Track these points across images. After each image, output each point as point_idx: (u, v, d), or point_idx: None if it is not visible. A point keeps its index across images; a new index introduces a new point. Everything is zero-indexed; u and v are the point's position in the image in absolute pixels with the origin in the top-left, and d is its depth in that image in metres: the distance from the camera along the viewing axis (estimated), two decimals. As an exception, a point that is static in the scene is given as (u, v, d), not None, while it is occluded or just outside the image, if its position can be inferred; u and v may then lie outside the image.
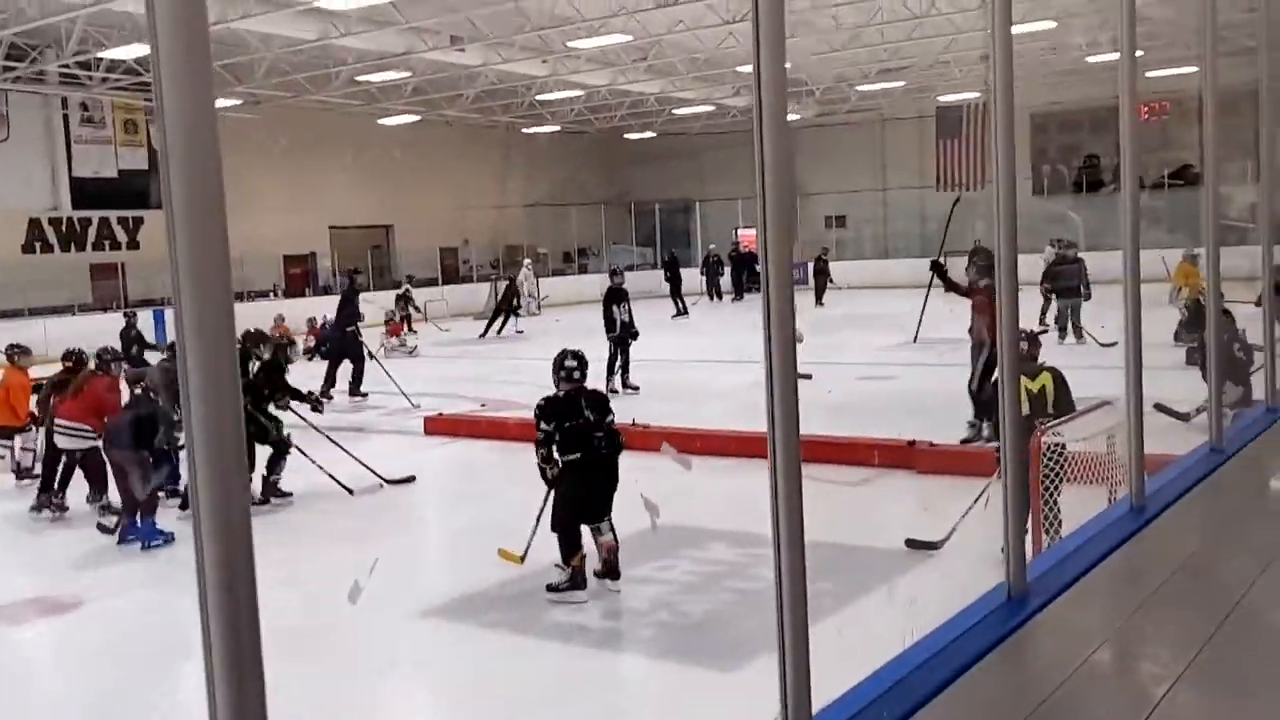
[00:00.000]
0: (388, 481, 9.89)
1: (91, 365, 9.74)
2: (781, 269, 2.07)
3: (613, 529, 6.90)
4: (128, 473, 8.56)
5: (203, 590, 1.23)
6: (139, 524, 8.49)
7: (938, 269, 10.88)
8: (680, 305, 27.28)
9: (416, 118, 30.50)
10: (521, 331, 23.65)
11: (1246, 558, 3.54)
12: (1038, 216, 30.69)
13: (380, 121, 30.48)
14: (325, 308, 23.55)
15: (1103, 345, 13.68)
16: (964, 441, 9.94)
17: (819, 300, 26.73)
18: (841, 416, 11.52)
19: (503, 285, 26.94)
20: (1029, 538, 6.15)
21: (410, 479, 10.08)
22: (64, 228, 26.17)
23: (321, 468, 9.66)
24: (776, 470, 2.06)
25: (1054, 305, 17.55)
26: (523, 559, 7.17)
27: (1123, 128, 3.56)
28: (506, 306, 24.70)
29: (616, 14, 20.60)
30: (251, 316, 22.53)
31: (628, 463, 6.98)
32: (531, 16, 21.31)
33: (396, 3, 19.03)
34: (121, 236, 26.46)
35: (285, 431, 9.76)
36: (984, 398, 9.85)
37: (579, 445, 6.83)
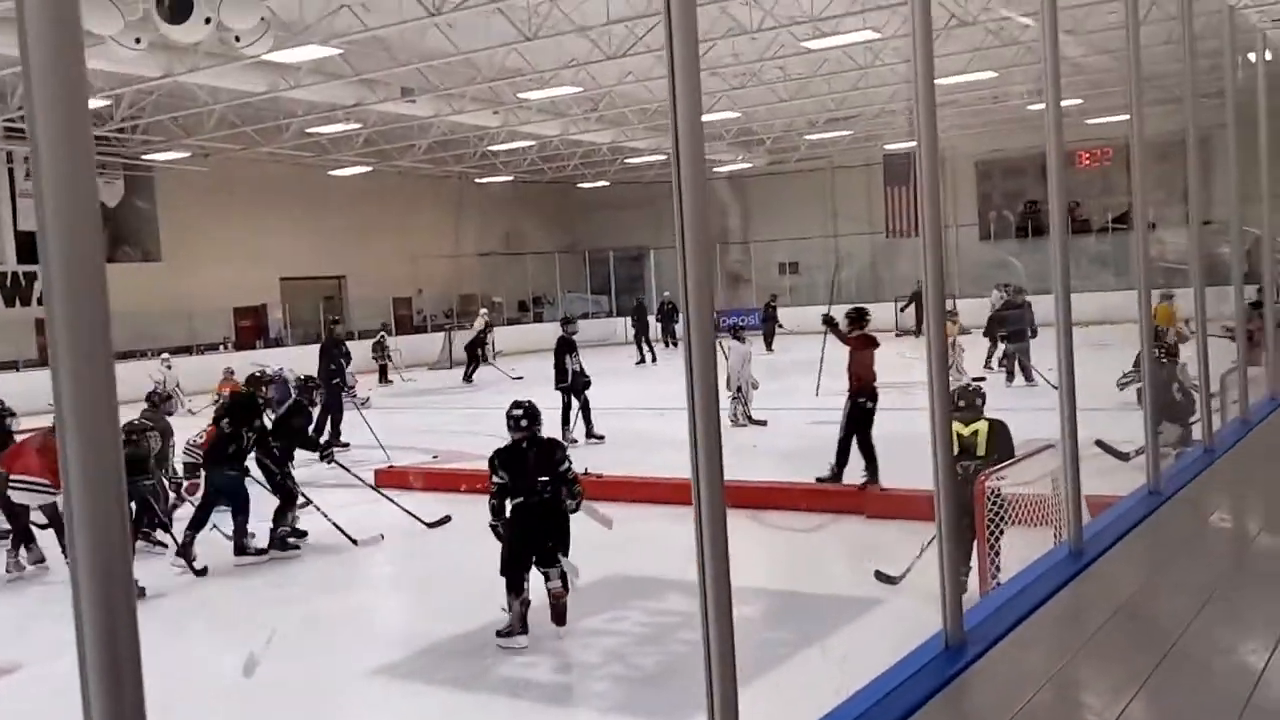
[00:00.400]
0: (427, 525, 9.94)
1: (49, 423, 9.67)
2: (703, 318, 2.07)
3: (562, 576, 6.91)
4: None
5: (83, 671, 1.19)
6: None
7: (828, 322, 11.16)
8: (645, 352, 27.25)
9: (368, 169, 30.49)
10: (521, 377, 22.97)
11: (1183, 599, 3.56)
12: (985, 263, 31.16)
13: (332, 173, 30.43)
14: (276, 360, 23.31)
15: (1055, 387, 13.78)
16: (819, 480, 10.40)
17: (769, 346, 26.81)
18: (794, 462, 11.55)
19: (458, 334, 27.01)
20: (975, 580, 6.18)
21: (447, 519, 10.06)
22: (8, 282, 25.78)
23: (326, 515, 9.64)
24: (701, 519, 2.03)
25: (1000, 348, 17.78)
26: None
27: (1050, 176, 3.62)
28: (479, 353, 24.68)
29: (567, 65, 20.77)
30: (200, 369, 22.37)
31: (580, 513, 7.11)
32: (482, 68, 21.42)
33: (346, 55, 19.04)
34: (68, 291, 26.09)
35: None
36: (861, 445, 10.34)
37: (521, 492, 7.00)
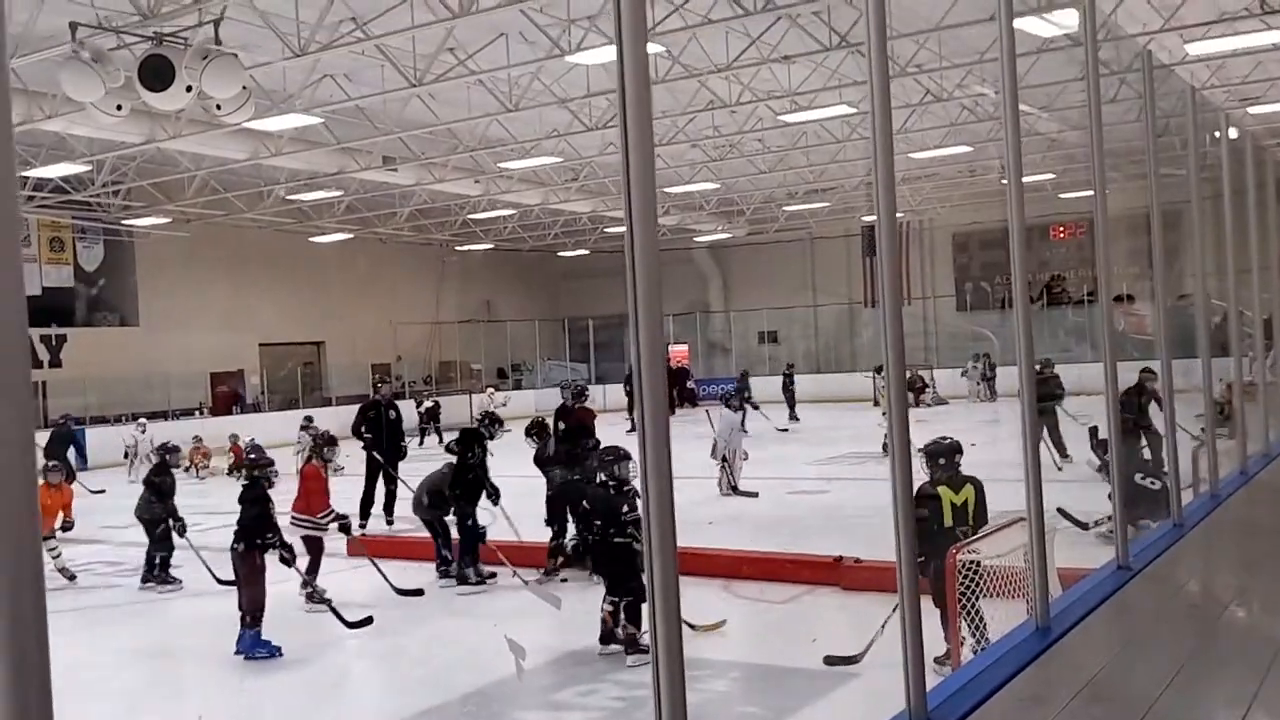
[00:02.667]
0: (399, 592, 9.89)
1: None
2: (656, 388, 2.06)
3: (614, 604, 7.76)
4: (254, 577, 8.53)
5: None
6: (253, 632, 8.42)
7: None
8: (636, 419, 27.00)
9: (349, 235, 30.59)
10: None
11: (1150, 676, 3.52)
12: (962, 335, 31.38)
13: (313, 239, 30.51)
14: (250, 427, 23.17)
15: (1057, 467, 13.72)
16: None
17: (793, 414, 26.37)
18: (773, 532, 11.49)
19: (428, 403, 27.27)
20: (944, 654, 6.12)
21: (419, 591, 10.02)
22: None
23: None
24: (655, 597, 2.00)
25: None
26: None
27: (1013, 251, 3.66)
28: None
29: (548, 136, 20.98)
30: (174, 435, 22.15)
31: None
32: (463, 138, 21.63)
33: (328, 123, 19.19)
34: (44, 354, 25.95)
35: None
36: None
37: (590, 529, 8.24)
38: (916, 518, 4.68)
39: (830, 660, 7.10)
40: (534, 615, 8.69)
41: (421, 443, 24.32)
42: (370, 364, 32.22)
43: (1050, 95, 18.30)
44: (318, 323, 32.07)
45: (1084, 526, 8.91)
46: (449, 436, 25.81)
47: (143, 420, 22.43)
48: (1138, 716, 3.11)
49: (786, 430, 24.18)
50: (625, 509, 7.92)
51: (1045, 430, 14.91)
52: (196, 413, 27.66)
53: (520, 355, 38.20)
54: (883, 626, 6.39)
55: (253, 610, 8.35)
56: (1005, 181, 3.69)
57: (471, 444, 10.92)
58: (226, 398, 29.38)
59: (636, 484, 8.05)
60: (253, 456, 9.69)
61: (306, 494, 10.27)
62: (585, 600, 8.72)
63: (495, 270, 37.51)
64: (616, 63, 2.03)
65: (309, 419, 22.26)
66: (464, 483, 10.63)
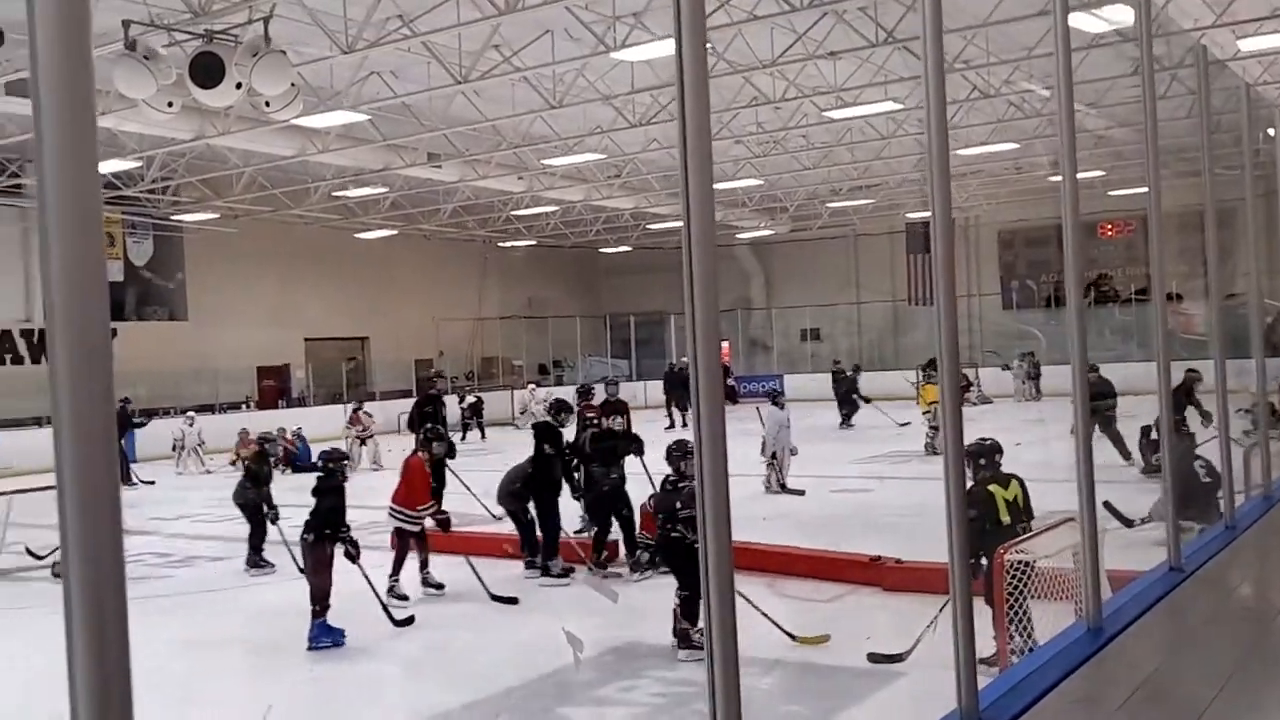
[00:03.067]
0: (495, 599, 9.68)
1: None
2: (712, 383, 2.06)
3: (679, 597, 7.70)
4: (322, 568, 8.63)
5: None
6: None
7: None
8: (675, 417, 26.25)
9: (394, 232, 30.81)
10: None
11: (1204, 679, 3.48)
12: (1007, 333, 31.08)
13: (358, 235, 30.76)
14: (296, 420, 23.43)
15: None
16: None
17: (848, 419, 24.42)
18: (817, 530, 11.45)
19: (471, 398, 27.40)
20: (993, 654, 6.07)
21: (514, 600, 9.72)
22: (35, 339, 26.02)
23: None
24: (710, 592, 2.01)
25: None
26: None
27: (1067, 250, 3.63)
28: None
29: (591, 133, 21.01)
30: (222, 428, 22.51)
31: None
32: (507, 135, 21.73)
33: (374, 120, 19.34)
34: (94, 348, 26.28)
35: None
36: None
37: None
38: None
39: (874, 657, 7.08)
40: (580, 610, 8.73)
41: (464, 438, 24.45)
42: (414, 359, 32.51)
43: (1099, 91, 18.08)
44: (362, 318, 32.32)
45: (1129, 523, 8.86)
46: (490, 431, 26.07)
47: (191, 413, 22.76)
48: (1192, 719, 3.08)
49: (909, 424, 21.79)
50: (678, 505, 7.94)
51: (1099, 429, 14.35)
52: (243, 406, 27.98)
53: (562, 351, 38.28)
54: (932, 625, 6.35)
55: (320, 600, 8.45)
56: (1056, 179, 3.66)
57: (545, 438, 10.84)
58: (273, 392, 29.71)
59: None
60: (327, 450, 9.80)
61: (408, 486, 10.24)
62: (627, 595, 8.76)
63: (537, 266, 37.61)
64: (675, 57, 2.04)
65: (360, 401, 22.77)
66: (539, 477, 10.61)
